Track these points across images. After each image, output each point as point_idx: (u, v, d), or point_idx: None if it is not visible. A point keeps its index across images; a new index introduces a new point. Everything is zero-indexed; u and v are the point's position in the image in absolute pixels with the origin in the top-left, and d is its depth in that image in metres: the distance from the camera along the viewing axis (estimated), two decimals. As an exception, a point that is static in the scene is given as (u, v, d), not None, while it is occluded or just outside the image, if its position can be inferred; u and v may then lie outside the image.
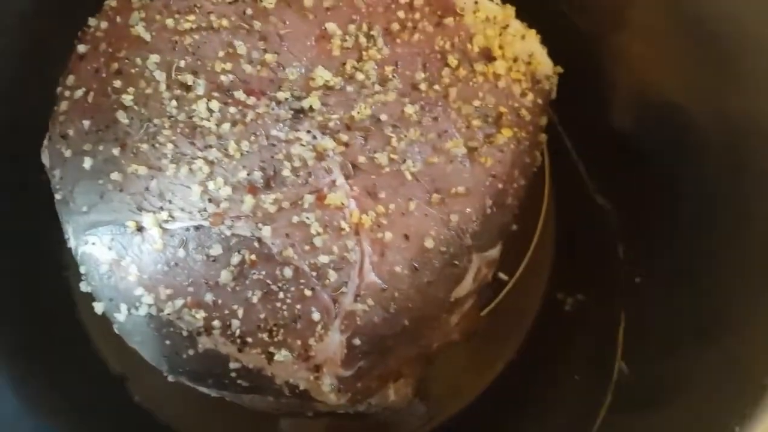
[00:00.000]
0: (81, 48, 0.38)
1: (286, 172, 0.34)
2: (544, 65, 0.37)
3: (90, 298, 0.36)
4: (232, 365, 0.33)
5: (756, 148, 0.35)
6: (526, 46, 0.37)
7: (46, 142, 0.39)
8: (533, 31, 0.38)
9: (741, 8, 0.34)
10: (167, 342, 0.34)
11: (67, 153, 0.37)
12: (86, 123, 0.37)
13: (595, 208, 0.51)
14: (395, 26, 0.37)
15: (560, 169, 0.54)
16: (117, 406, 0.49)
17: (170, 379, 0.37)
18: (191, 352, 0.34)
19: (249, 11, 0.37)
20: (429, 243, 0.34)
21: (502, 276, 0.53)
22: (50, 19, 0.46)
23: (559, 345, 0.51)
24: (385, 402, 0.40)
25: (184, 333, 0.34)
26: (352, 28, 0.37)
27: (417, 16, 0.37)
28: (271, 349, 0.33)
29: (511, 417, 0.51)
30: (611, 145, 0.50)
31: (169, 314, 0.33)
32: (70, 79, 0.38)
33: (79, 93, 0.37)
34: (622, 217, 0.49)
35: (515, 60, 0.37)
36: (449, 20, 0.37)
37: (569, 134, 0.54)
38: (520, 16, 0.45)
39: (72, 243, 0.37)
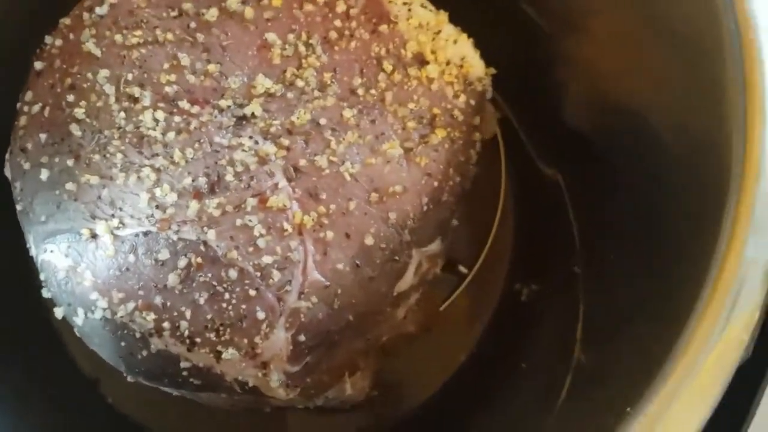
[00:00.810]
0: (38, 65, 0.40)
1: (229, 177, 0.35)
2: (476, 68, 0.39)
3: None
4: (183, 364, 0.35)
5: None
6: (459, 50, 0.39)
7: (7, 155, 0.40)
8: (465, 36, 0.39)
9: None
10: (122, 344, 0.36)
11: (26, 165, 0.38)
12: (43, 136, 0.38)
13: (551, 197, 0.52)
14: (333, 35, 0.38)
15: (517, 163, 0.56)
16: (91, 408, 0.51)
17: (129, 379, 0.39)
18: (145, 353, 0.35)
19: (192, 24, 0.38)
20: (369, 240, 0.35)
21: (462, 269, 0.54)
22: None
23: (518, 334, 0.52)
24: (342, 395, 0.42)
25: (137, 335, 0.35)
26: (291, 37, 0.38)
27: (353, 24, 0.38)
28: (219, 348, 0.34)
29: (475, 406, 0.52)
30: (566, 141, 0.51)
31: (122, 317, 0.35)
32: (29, 95, 0.40)
33: (36, 108, 0.39)
34: (578, 207, 0.50)
35: (448, 63, 0.38)
36: (384, 28, 0.38)
37: (525, 129, 0.56)
38: (483, 16, 0.46)
39: (33, 252, 0.39)
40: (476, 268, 0.54)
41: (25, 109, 0.40)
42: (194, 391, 0.37)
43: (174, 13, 0.38)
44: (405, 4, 0.40)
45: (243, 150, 0.36)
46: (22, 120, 0.40)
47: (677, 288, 0.30)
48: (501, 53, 0.43)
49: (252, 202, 0.35)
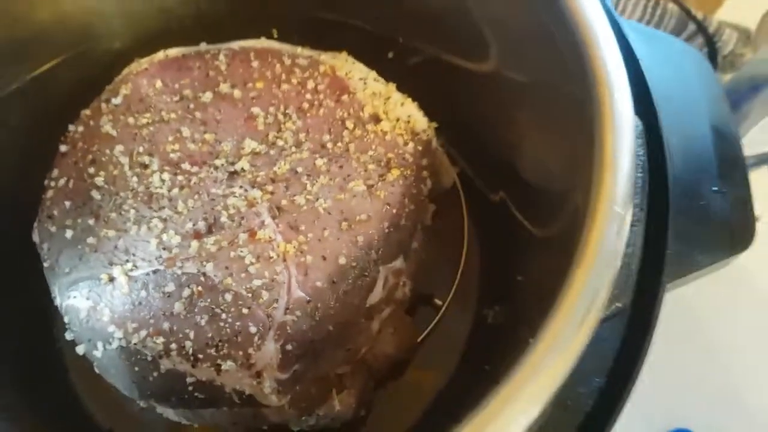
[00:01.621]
0: (63, 147, 0.49)
1: (223, 219, 0.43)
2: (420, 122, 0.48)
3: (79, 362, 0.44)
4: (189, 380, 0.40)
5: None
6: (405, 110, 0.48)
7: (36, 223, 0.48)
8: (410, 100, 0.49)
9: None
10: (136, 368, 0.41)
11: (53, 229, 0.46)
12: (68, 203, 0.46)
13: (504, 223, 0.59)
14: (305, 105, 0.48)
15: (474, 204, 0.63)
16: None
17: (142, 405, 0.43)
18: (155, 374, 0.41)
19: (191, 105, 0.48)
20: (342, 260, 0.42)
21: (437, 302, 0.60)
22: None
23: (488, 355, 0.57)
24: (332, 412, 0.46)
25: (149, 358, 0.41)
26: (272, 109, 0.48)
27: (321, 96, 0.48)
28: (219, 361, 0.40)
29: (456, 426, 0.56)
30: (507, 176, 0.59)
31: (135, 344, 0.41)
32: (55, 172, 0.48)
33: (62, 181, 0.47)
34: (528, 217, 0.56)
35: (397, 120, 0.47)
36: (345, 97, 0.48)
37: (476, 175, 0.64)
38: (434, 89, 0.56)
39: (58, 300, 0.45)
40: (448, 300, 0.60)
41: (52, 184, 0.48)
42: (198, 407, 0.42)
43: (176, 98, 0.48)
44: (361, 79, 0.50)
45: (234, 197, 0.44)
46: (49, 193, 0.48)
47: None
48: (453, 117, 0.53)
49: (243, 237, 0.42)
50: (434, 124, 0.49)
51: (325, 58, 0.51)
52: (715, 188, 0.43)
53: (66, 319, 0.44)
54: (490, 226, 0.61)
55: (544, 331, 0.29)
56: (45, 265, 0.46)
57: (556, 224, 0.40)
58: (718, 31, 0.87)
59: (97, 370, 0.44)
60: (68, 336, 0.44)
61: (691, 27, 0.88)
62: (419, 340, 0.57)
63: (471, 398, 0.53)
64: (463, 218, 0.62)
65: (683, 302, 0.67)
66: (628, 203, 0.31)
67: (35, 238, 0.48)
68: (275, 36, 0.56)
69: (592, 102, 0.34)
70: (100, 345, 0.42)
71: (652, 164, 0.37)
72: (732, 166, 0.44)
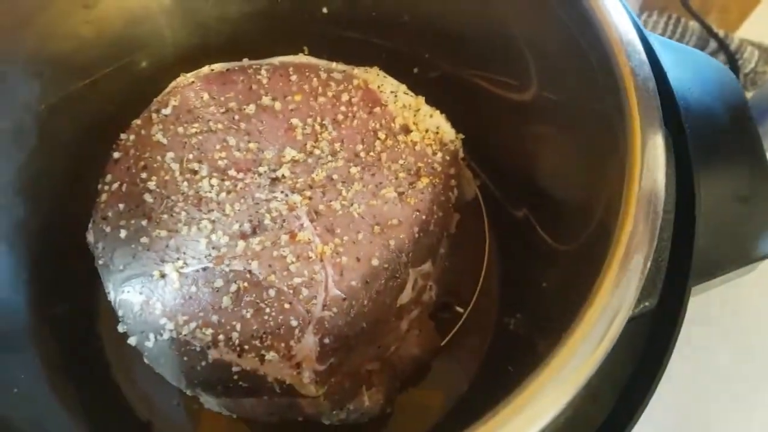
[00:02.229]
0: (116, 154, 0.53)
1: (267, 222, 0.46)
2: (448, 133, 0.52)
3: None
4: (234, 369, 0.44)
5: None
6: (434, 122, 0.52)
7: (90, 225, 0.52)
8: (438, 112, 0.53)
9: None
10: (185, 358, 0.45)
11: (107, 229, 0.50)
12: (121, 206, 0.50)
13: (526, 236, 0.62)
14: (340, 116, 0.51)
15: (495, 215, 0.67)
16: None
17: (188, 393, 0.47)
18: (203, 363, 0.44)
19: (236, 117, 0.51)
20: (375, 262, 0.45)
21: (459, 309, 0.63)
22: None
23: (510, 360, 0.60)
24: (361, 407, 0.50)
25: (198, 348, 0.44)
26: (309, 120, 0.51)
27: (354, 108, 0.52)
28: (263, 352, 0.43)
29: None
30: (529, 193, 0.62)
31: (185, 335, 0.44)
32: (108, 178, 0.52)
33: (115, 186, 0.51)
34: (549, 233, 0.59)
35: (426, 131, 0.51)
36: (377, 109, 0.52)
37: (498, 189, 0.67)
38: (458, 105, 0.59)
39: (111, 295, 0.49)
40: (470, 307, 0.63)
41: (105, 188, 0.52)
42: (241, 396, 0.46)
43: (222, 110, 0.52)
44: (392, 92, 0.53)
45: (276, 201, 0.47)
46: (103, 196, 0.52)
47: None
48: (477, 132, 0.56)
49: (285, 238, 0.46)
50: (461, 136, 0.53)
51: (358, 72, 0.54)
52: (743, 194, 0.45)
53: (120, 313, 0.47)
54: (511, 236, 0.63)
55: (570, 334, 0.32)
56: (99, 263, 0.50)
57: (580, 239, 0.43)
58: (740, 48, 0.88)
59: (146, 361, 0.47)
60: (121, 328, 0.48)
61: (713, 45, 0.88)
62: (442, 344, 0.60)
63: (492, 400, 0.56)
64: (485, 229, 0.65)
65: (705, 308, 0.69)
66: (657, 218, 0.34)
67: (90, 238, 0.51)
68: (306, 52, 0.60)
69: (622, 117, 0.37)
70: (151, 336, 0.45)
71: (679, 173, 0.40)
72: (758, 174, 0.46)
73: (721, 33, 0.88)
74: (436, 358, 0.58)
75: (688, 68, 0.47)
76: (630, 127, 0.39)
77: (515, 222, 0.62)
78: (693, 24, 0.90)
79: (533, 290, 0.57)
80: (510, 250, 0.65)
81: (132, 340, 0.47)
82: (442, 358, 0.60)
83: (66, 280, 0.59)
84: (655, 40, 0.47)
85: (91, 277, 0.51)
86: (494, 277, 0.65)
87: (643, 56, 0.41)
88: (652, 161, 0.37)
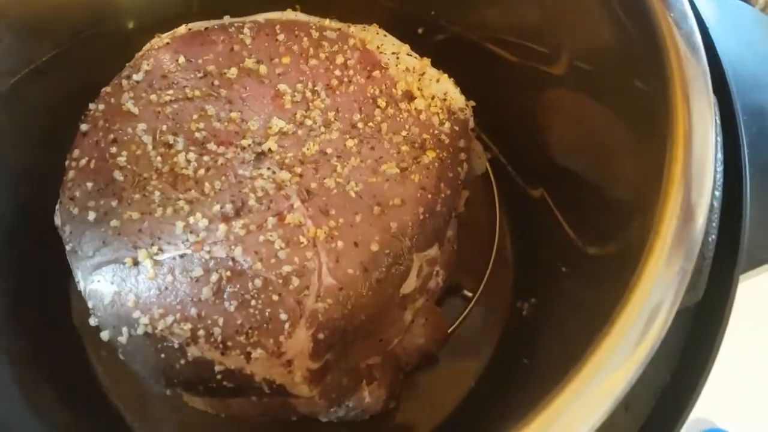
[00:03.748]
0: (83, 127, 0.47)
1: (252, 202, 0.41)
2: (458, 100, 0.46)
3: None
4: (217, 368, 0.39)
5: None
6: (441, 87, 0.46)
7: (57, 206, 0.46)
8: (446, 76, 0.47)
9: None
10: (162, 356, 0.40)
11: (75, 211, 0.44)
12: (89, 184, 0.44)
13: (542, 216, 0.56)
14: (334, 81, 0.45)
15: (508, 193, 0.61)
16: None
17: (168, 393, 0.42)
18: (182, 361, 0.40)
19: (216, 82, 0.46)
20: (375, 247, 0.40)
21: (467, 293, 0.59)
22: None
23: (525, 350, 0.55)
24: (361, 403, 0.45)
25: (176, 345, 0.39)
26: (299, 86, 0.45)
27: (351, 72, 0.46)
28: (249, 349, 0.38)
29: (489, 425, 0.54)
30: (547, 168, 0.57)
31: (162, 330, 0.39)
32: (76, 153, 0.46)
33: (83, 162, 0.45)
34: (567, 216, 0.54)
35: (433, 98, 0.45)
36: (377, 73, 0.45)
37: (511, 163, 0.62)
38: (467, 70, 0.53)
39: (81, 285, 0.44)
40: (479, 291, 0.58)
41: (73, 164, 0.46)
42: (227, 397, 0.41)
43: (200, 74, 0.46)
44: (393, 53, 0.47)
45: (262, 179, 0.42)
46: (71, 174, 0.46)
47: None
48: (487, 100, 0.50)
49: (272, 221, 0.40)
50: (472, 103, 0.47)
51: (355, 30, 0.48)
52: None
53: (90, 304, 0.43)
54: (525, 216, 0.58)
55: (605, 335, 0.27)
56: (67, 248, 0.45)
57: (608, 229, 0.38)
58: None
59: (121, 357, 0.43)
60: (92, 321, 0.43)
61: None
62: (449, 331, 0.55)
63: (507, 394, 0.51)
64: (495, 206, 0.59)
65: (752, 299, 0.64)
66: (703, 204, 0.29)
67: (57, 220, 0.46)
68: (298, 9, 0.54)
69: (663, 84, 0.31)
70: (125, 330, 0.40)
71: (727, 151, 0.34)
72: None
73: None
74: (443, 345, 0.53)
75: (736, 27, 0.41)
76: (673, 95, 0.33)
77: (530, 200, 0.57)
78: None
79: (551, 274, 0.52)
80: (524, 229, 0.59)
81: (104, 335, 0.42)
82: (450, 345, 0.55)
83: (38, 266, 0.54)
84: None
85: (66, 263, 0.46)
86: (506, 258, 0.60)
87: (687, 7, 0.35)
88: (699, 139, 0.31)
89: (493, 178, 0.62)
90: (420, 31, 0.59)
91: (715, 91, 0.33)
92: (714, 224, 0.34)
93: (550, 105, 0.51)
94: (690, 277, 0.30)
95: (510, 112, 0.55)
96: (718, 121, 0.34)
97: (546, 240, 0.54)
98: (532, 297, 0.56)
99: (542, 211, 0.55)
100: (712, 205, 0.30)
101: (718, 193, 0.31)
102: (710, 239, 0.31)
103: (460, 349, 0.57)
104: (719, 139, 0.35)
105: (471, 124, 0.47)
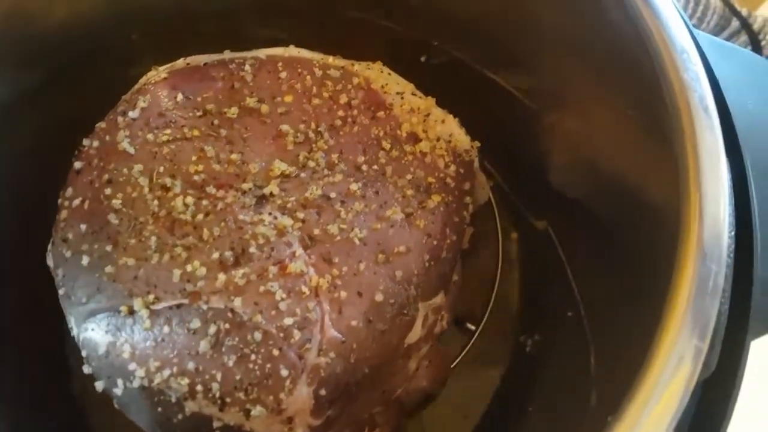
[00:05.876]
0: (77, 164, 0.45)
1: (252, 249, 0.40)
2: (463, 142, 0.45)
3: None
4: (216, 424, 0.38)
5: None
6: (446, 128, 0.44)
7: (50, 246, 0.45)
8: (451, 116, 0.45)
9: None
10: (159, 409, 0.39)
11: (68, 254, 0.43)
12: (83, 226, 0.43)
13: (545, 249, 0.55)
14: (338, 122, 0.44)
15: (512, 223, 0.60)
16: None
17: (164, 446, 0.41)
18: (180, 416, 0.38)
19: (216, 122, 0.44)
20: (379, 297, 0.39)
21: (470, 326, 0.57)
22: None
23: (529, 386, 0.54)
24: (363, 451, 0.44)
25: (173, 399, 0.38)
26: (302, 127, 0.44)
27: (355, 112, 0.44)
28: (248, 406, 0.37)
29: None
30: (551, 197, 0.55)
31: (158, 384, 0.38)
32: (69, 191, 0.45)
33: (77, 202, 0.44)
34: (569, 253, 0.53)
35: (438, 140, 0.44)
36: (381, 113, 0.44)
37: (514, 192, 0.61)
38: (468, 97, 0.52)
39: (74, 331, 0.42)
40: (482, 324, 0.57)
41: (66, 204, 0.45)
42: (225, 452, 0.40)
43: (199, 113, 0.45)
44: (398, 93, 0.46)
45: (263, 225, 0.40)
46: (63, 214, 0.45)
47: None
48: (488, 128, 0.49)
49: (273, 270, 0.39)
50: (477, 143, 0.46)
51: (359, 68, 0.47)
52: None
53: (84, 353, 0.41)
54: (529, 247, 0.57)
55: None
56: (60, 292, 0.43)
57: (620, 274, 0.36)
58: (763, 28, 0.82)
59: (117, 407, 0.41)
60: (86, 370, 0.41)
61: (735, 24, 0.83)
62: (452, 366, 0.54)
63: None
64: (498, 237, 0.58)
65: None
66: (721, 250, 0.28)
67: (49, 261, 0.45)
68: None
69: (673, 132, 0.30)
70: (120, 382, 0.39)
71: (737, 201, 0.33)
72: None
73: (744, 11, 0.82)
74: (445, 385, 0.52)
75: (744, 75, 0.40)
76: (684, 146, 0.32)
77: (535, 232, 0.56)
78: (715, 1, 0.84)
79: (555, 312, 0.50)
80: (528, 261, 0.58)
81: (98, 385, 0.40)
82: (451, 381, 0.54)
83: (30, 305, 0.52)
84: (704, 40, 0.40)
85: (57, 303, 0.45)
86: (510, 291, 0.59)
87: (700, 67, 0.34)
88: (712, 195, 0.30)
89: (495, 208, 0.61)
90: (423, 59, 0.58)
91: (728, 152, 0.32)
92: (728, 273, 0.33)
93: (549, 135, 0.50)
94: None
95: (511, 141, 0.54)
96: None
97: (550, 277, 0.53)
98: (535, 333, 0.55)
99: (546, 245, 0.54)
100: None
101: (729, 260, 0.30)
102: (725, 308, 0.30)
103: (463, 383, 0.56)
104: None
105: (476, 164, 0.46)
